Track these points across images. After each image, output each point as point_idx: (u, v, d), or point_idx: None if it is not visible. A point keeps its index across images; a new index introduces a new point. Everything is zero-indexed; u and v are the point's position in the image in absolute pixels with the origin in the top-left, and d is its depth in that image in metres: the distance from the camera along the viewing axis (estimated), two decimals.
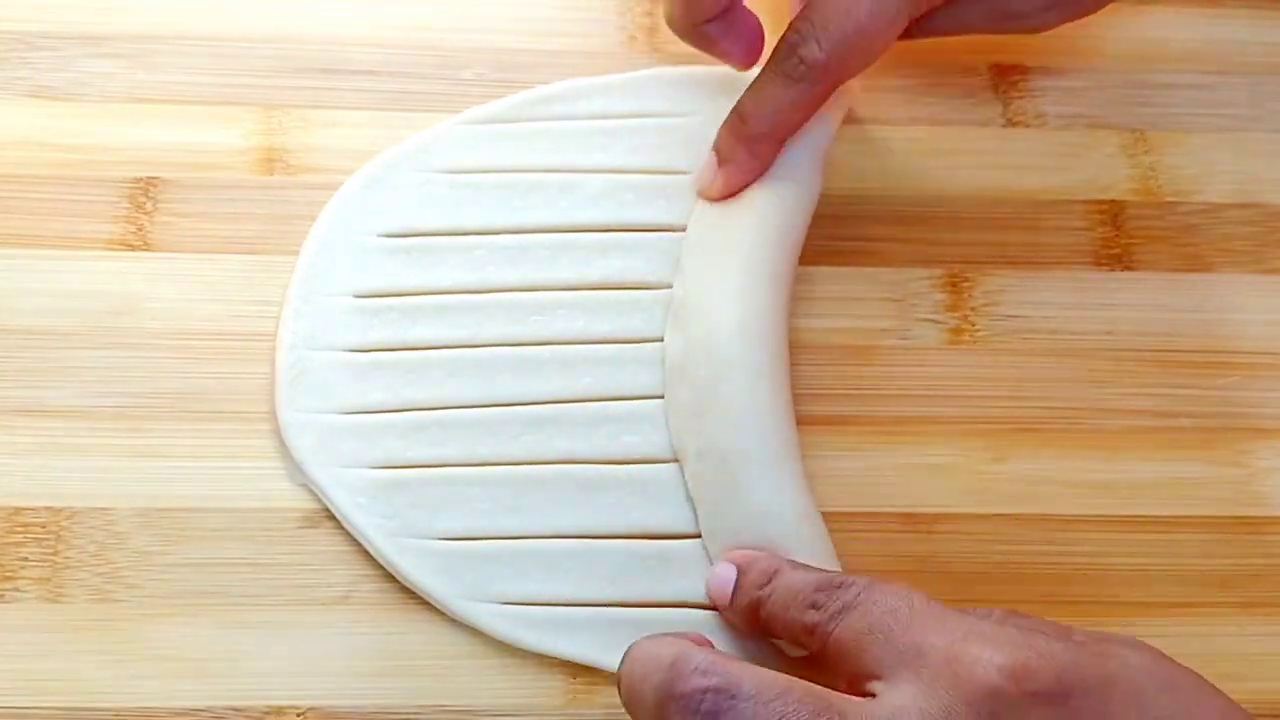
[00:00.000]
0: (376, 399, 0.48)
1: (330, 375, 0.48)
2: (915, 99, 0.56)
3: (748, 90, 0.50)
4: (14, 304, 0.49)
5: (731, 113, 0.50)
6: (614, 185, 0.52)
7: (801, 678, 0.38)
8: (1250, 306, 0.53)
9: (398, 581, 0.46)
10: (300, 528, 0.47)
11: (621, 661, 0.40)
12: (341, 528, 0.46)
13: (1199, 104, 0.57)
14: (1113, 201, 0.55)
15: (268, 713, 0.44)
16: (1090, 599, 0.47)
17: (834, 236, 0.53)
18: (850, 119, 0.55)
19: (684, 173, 0.53)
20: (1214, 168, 0.55)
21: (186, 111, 0.53)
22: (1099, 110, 0.56)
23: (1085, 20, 0.54)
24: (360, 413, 0.48)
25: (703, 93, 0.54)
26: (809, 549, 0.44)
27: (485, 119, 0.54)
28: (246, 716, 0.44)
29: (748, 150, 0.50)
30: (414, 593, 0.45)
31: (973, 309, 0.52)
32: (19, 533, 0.46)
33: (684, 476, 0.47)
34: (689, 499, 0.47)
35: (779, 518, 0.45)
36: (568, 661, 0.45)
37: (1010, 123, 0.56)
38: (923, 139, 0.55)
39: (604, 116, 0.54)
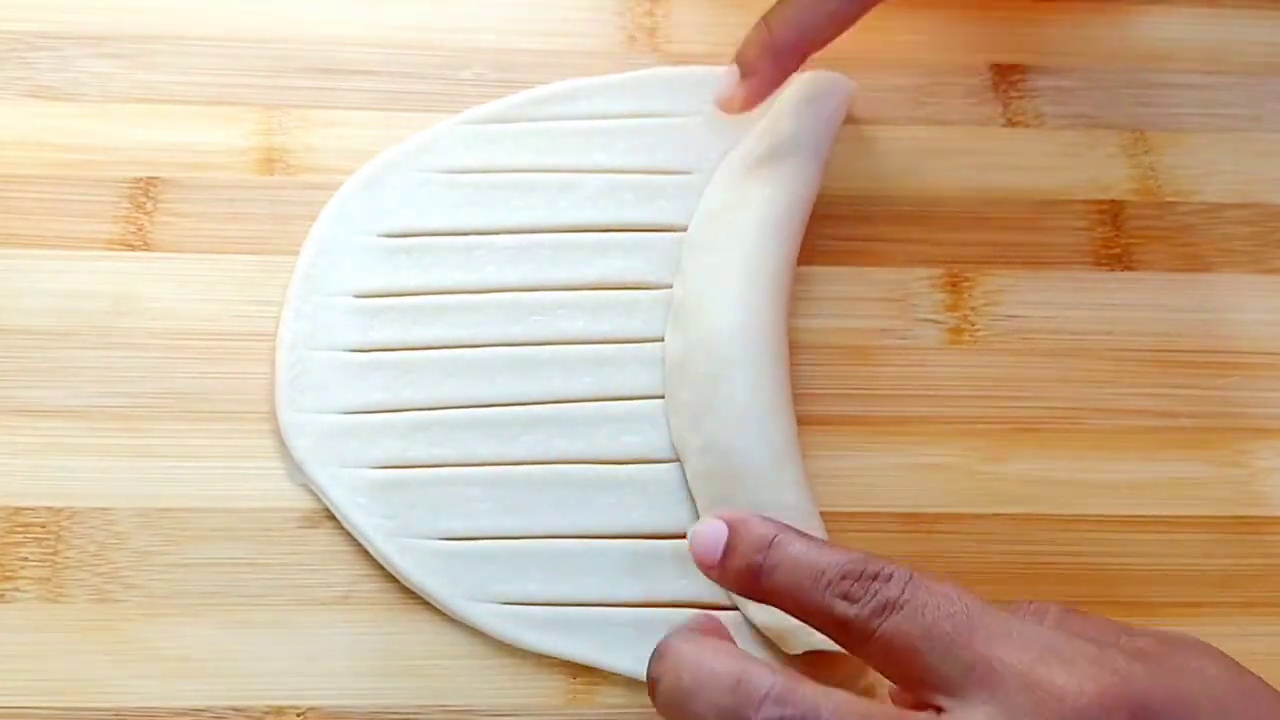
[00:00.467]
0: (376, 399, 0.48)
1: (330, 375, 0.48)
2: (915, 99, 0.56)
3: (781, 1, 0.49)
4: (14, 304, 0.49)
5: (759, 23, 0.50)
6: (614, 185, 0.52)
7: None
8: (1250, 306, 0.53)
9: (398, 581, 0.46)
10: (300, 528, 0.47)
11: (653, 662, 0.37)
12: (341, 528, 0.46)
13: (1199, 104, 0.57)
14: (1113, 201, 0.55)
15: (268, 713, 0.44)
16: (1090, 599, 0.47)
17: (834, 236, 0.53)
18: (850, 119, 0.55)
19: (684, 173, 0.53)
20: (1214, 168, 0.55)
21: (186, 111, 0.53)
22: (1099, 110, 0.56)
23: (1085, 20, 0.54)
24: (360, 413, 0.48)
25: (703, 93, 0.54)
26: None
27: (485, 119, 0.54)
28: (246, 716, 0.44)
29: (773, 62, 0.49)
30: (414, 593, 0.45)
31: (973, 309, 0.52)
32: (19, 533, 0.46)
33: (684, 476, 0.47)
34: (689, 499, 0.47)
35: (780, 517, 0.45)
36: (568, 661, 0.45)
37: (1010, 123, 0.56)
38: (923, 139, 0.55)
39: (604, 116, 0.54)
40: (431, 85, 0.55)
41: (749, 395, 0.46)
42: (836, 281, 0.52)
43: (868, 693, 0.42)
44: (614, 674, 0.45)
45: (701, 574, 0.45)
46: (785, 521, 0.44)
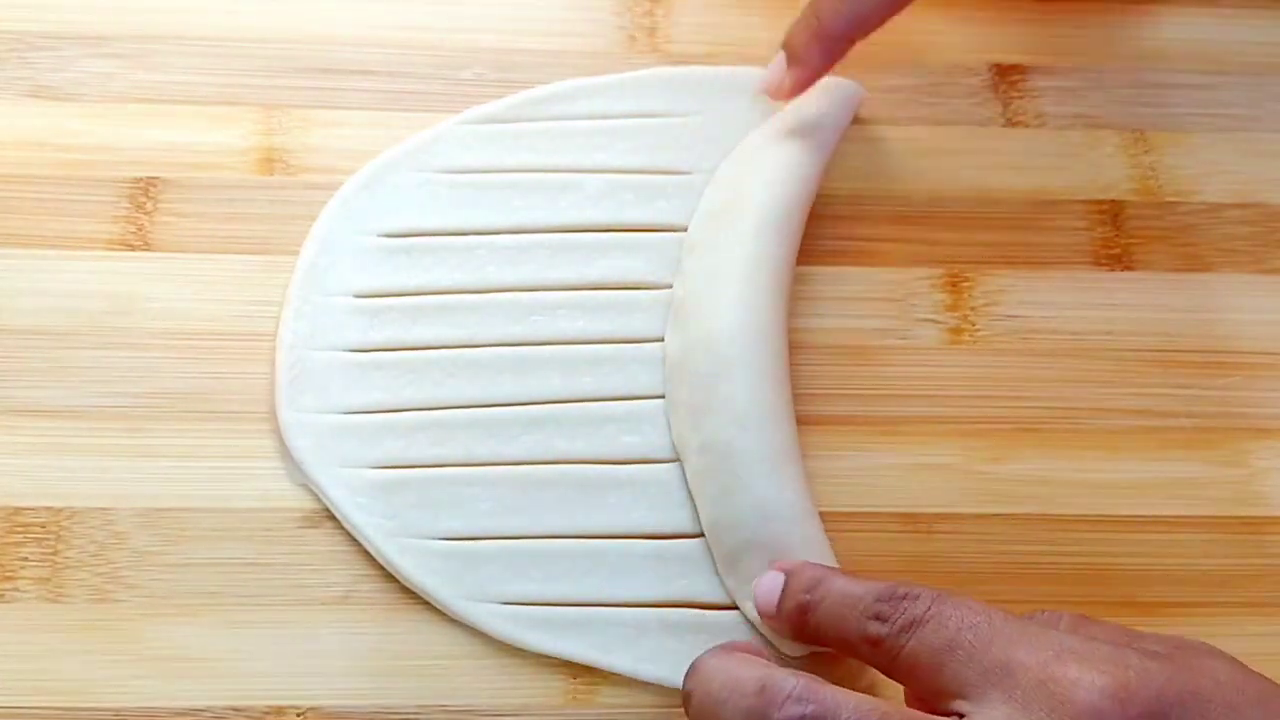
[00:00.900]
0: (376, 399, 0.48)
1: (330, 375, 0.48)
2: (915, 99, 0.56)
3: None
4: (14, 304, 0.49)
5: (807, 11, 0.50)
6: (614, 185, 0.52)
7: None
8: (1250, 306, 0.53)
9: (398, 581, 0.46)
10: (300, 528, 0.47)
11: (687, 679, 0.39)
12: (341, 528, 0.46)
13: (1199, 104, 0.57)
14: (1113, 201, 0.55)
15: (268, 713, 0.44)
16: (1090, 599, 0.47)
17: (834, 236, 0.53)
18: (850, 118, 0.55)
19: (684, 173, 0.53)
20: (1214, 168, 0.55)
21: (186, 111, 0.53)
22: (1099, 110, 0.56)
23: (1085, 20, 0.54)
24: (360, 412, 0.48)
25: (703, 93, 0.54)
26: (810, 548, 0.45)
27: (485, 119, 0.54)
28: (246, 716, 0.44)
29: (821, 50, 0.50)
30: (414, 593, 0.45)
31: (973, 309, 0.52)
32: (19, 533, 0.46)
33: (684, 475, 0.47)
34: (689, 499, 0.47)
35: (780, 516, 0.45)
36: (568, 661, 0.45)
37: (1010, 123, 0.56)
38: (923, 139, 0.55)
39: (604, 116, 0.54)
40: (431, 85, 0.55)
41: (749, 395, 0.46)
42: (836, 281, 0.52)
43: (868, 692, 0.42)
44: (614, 674, 0.45)
45: (702, 574, 0.46)
46: (785, 522, 0.45)
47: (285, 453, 0.47)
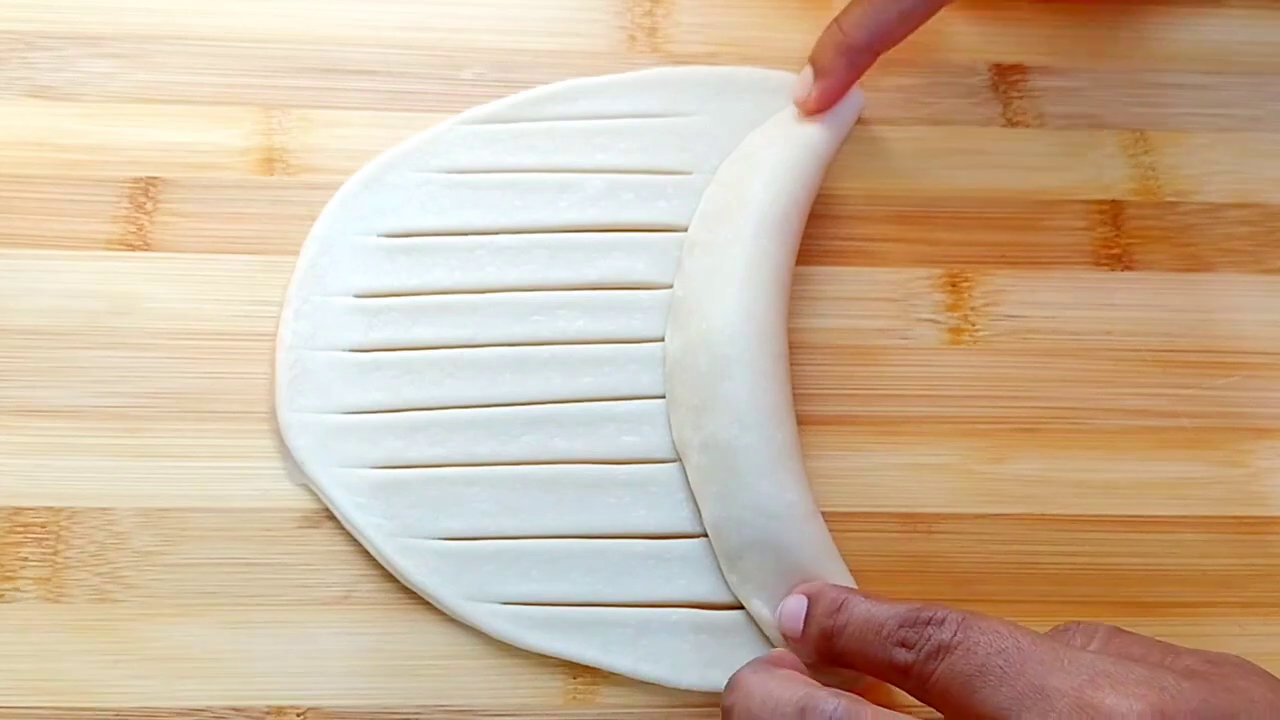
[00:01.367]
0: (376, 399, 0.48)
1: (330, 375, 0.48)
2: (915, 99, 0.56)
3: (853, 1, 0.51)
4: (14, 304, 0.49)
5: (832, 25, 0.51)
6: (614, 185, 0.52)
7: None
8: (1250, 306, 0.53)
9: (398, 581, 0.46)
10: (300, 528, 0.47)
11: (726, 693, 0.39)
12: (341, 528, 0.46)
13: (1199, 104, 0.57)
14: (1113, 201, 0.55)
15: (268, 713, 0.44)
16: (1090, 599, 0.47)
17: (834, 236, 0.53)
18: None
19: (684, 173, 0.53)
20: (1214, 168, 0.55)
21: (186, 111, 0.53)
22: (1099, 110, 0.56)
23: (1085, 20, 0.54)
24: (360, 413, 0.48)
25: (703, 93, 0.54)
26: (812, 547, 0.45)
27: (485, 119, 0.54)
28: (246, 716, 0.44)
29: (847, 62, 0.50)
30: (414, 593, 0.45)
31: (973, 309, 0.52)
32: (19, 533, 0.46)
33: (684, 475, 0.47)
34: (689, 499, 0.47)
35: (782, 515, 0.45)
36: (568, 661, 0.45)
37: (1010, 123, 0.56)
38: (923, 139, 0.55)
39: (604, 116, 0.54)
40: (431, 85, 0.55)
41: (749, 394, 0.46)
42: (836, 281, 0.52)
43: (868, 693, 0.42)
44: (614, 674, 0.45)
45: (702, 574, 0.46)
46: (787, 520, 0.45)
47: (285, 453, 0.47)
